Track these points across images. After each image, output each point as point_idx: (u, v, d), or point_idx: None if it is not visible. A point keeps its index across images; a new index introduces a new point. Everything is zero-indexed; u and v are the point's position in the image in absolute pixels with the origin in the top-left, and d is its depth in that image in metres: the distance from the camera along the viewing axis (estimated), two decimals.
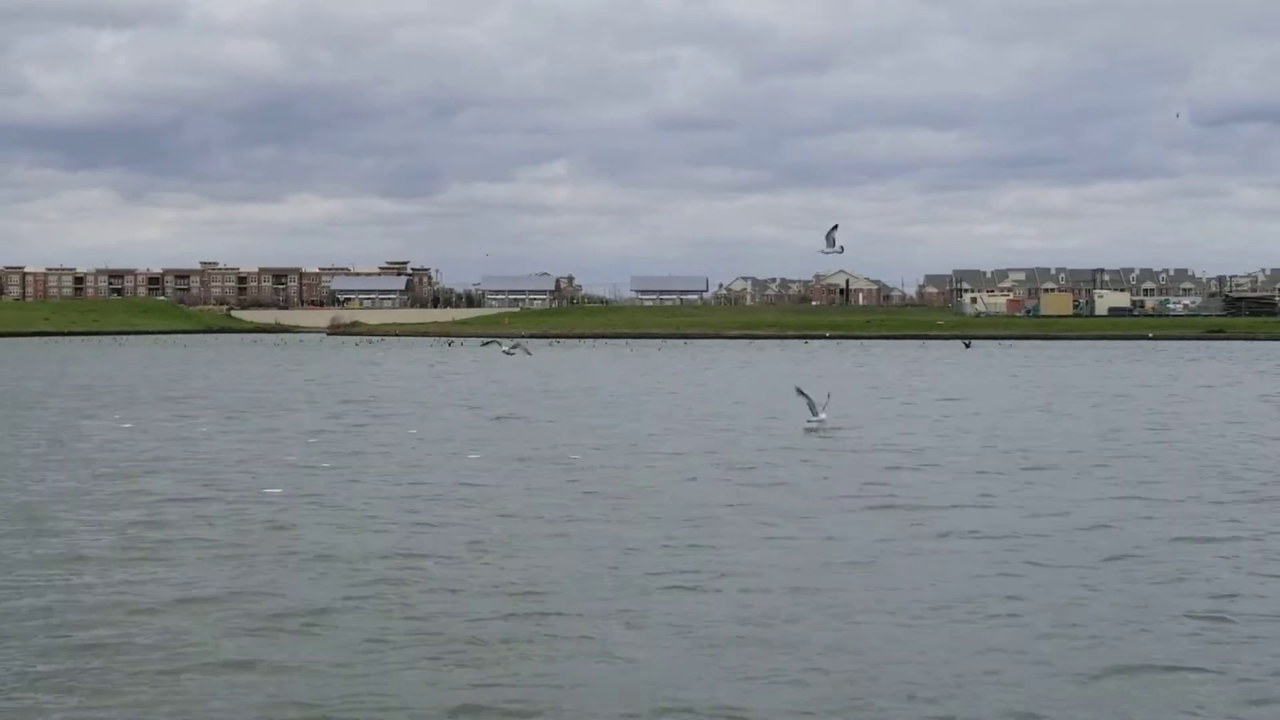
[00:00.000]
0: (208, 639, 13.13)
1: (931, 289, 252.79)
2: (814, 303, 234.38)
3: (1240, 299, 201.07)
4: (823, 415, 34.55)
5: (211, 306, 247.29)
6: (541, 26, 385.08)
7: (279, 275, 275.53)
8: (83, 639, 13.08)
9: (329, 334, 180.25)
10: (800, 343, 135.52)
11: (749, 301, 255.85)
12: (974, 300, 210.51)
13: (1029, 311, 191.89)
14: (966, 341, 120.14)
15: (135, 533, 18.99)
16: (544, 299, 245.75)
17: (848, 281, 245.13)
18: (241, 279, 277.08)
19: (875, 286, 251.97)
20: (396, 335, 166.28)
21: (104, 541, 18.27)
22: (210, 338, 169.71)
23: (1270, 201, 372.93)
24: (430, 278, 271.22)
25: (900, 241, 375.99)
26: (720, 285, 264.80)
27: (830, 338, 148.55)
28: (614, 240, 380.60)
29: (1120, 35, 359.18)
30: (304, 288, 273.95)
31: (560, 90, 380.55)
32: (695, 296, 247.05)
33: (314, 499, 22.31)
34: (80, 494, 23.05)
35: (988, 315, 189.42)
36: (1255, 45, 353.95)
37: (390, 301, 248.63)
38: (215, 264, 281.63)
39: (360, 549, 17.59)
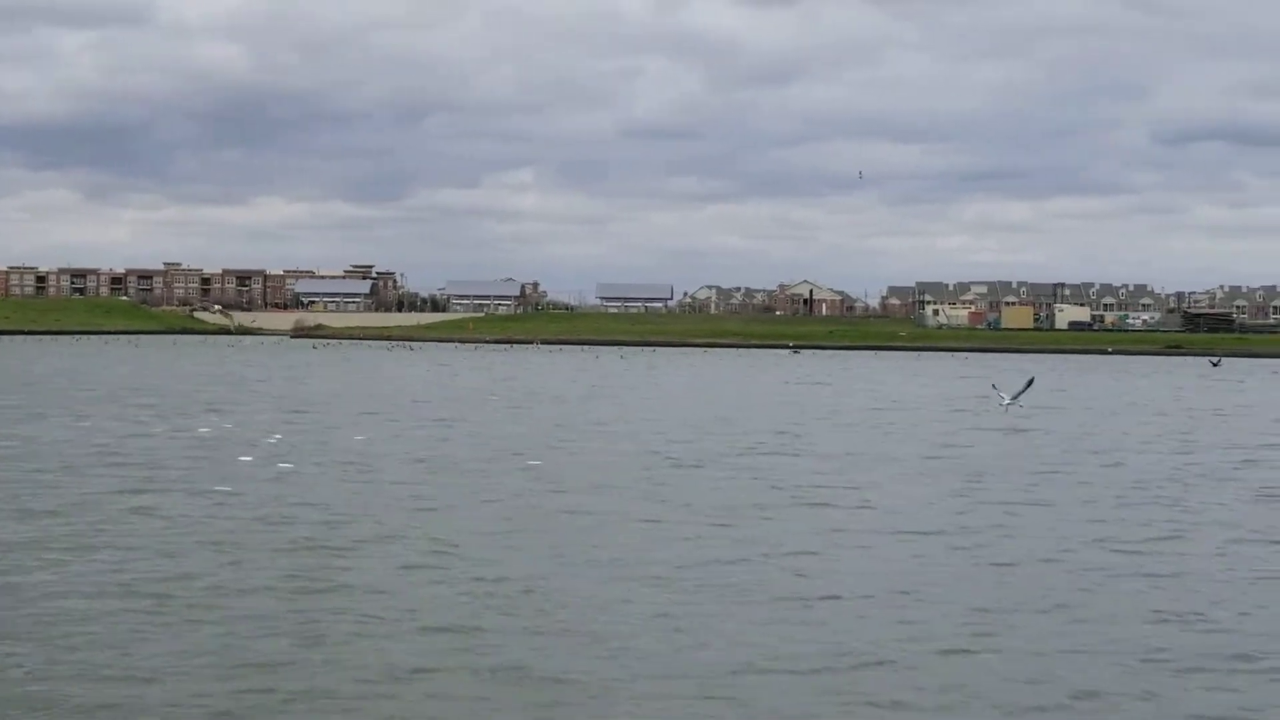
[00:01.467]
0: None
1: (894, 300, 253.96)
2: (778, 312, 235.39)
3: (1199, 315, 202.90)
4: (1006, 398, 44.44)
5: (174, 308, 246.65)
6: (511, 33, 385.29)
7: (243, 277, 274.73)
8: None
9: (293, 336, 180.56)
10: (783, 351, 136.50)
11: (714, 310, 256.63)
12: (936, 312, 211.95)
13: (990, 324, 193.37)
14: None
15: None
16: (509, 305, 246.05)
17: (811, 292, 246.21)
18: (205, 280, 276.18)
19: (839, 297, 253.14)
20: (360, 339, 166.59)
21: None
22: (169, 339, 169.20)
23: (1228, 220, 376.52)
24: (395, 282, 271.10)
25: (864, 253, 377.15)
26: (685, 294, 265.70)
27: (794, 348, 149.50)
28: (580, 248, 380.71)
29: (1083, 55, 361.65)
30: (268, 290, 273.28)
31: (529, 97, 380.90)
32: (660, 305, 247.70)
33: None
34: None
35: (950, 327, 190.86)
36: (1214, 67, 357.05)
37: (354, 305, 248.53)
38: (179, 265, 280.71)
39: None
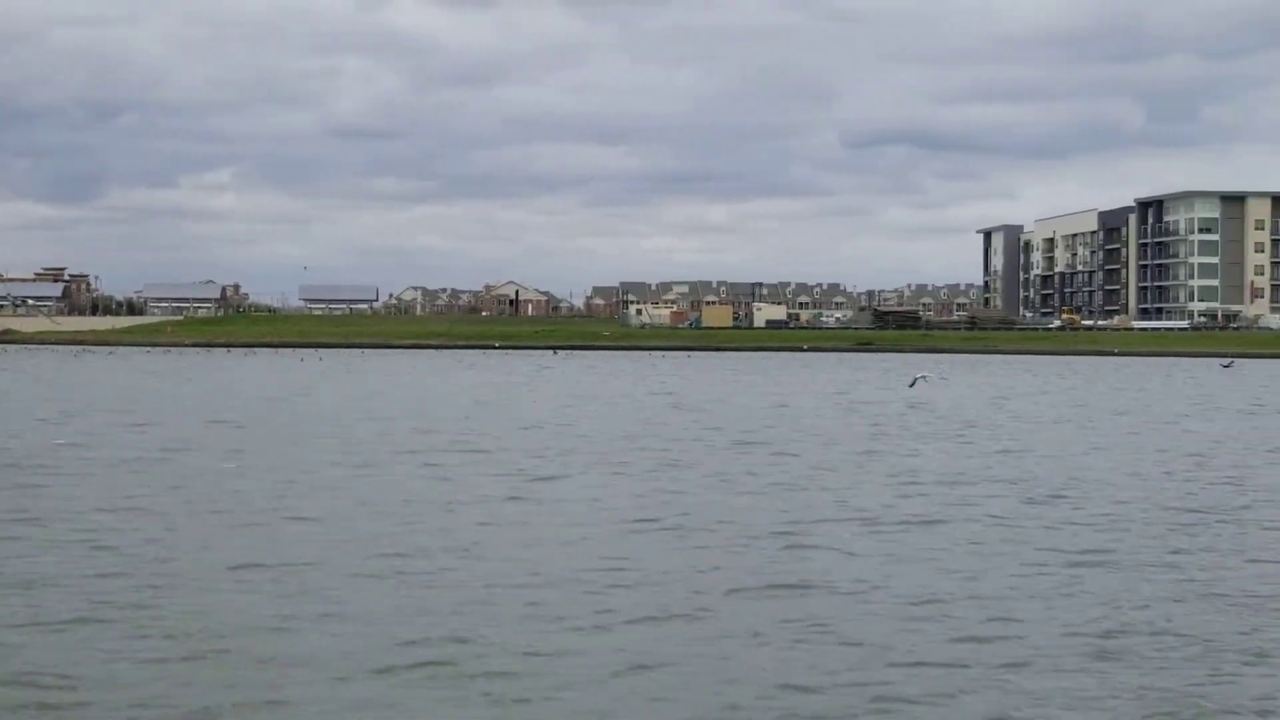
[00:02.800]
0: None
1: (599, 300, 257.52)
2: (484, 313, 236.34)
3: (888, 313, 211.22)
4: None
5: None
6: (207, 31, 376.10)
7: None
8: None
9: None
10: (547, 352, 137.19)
11: (419, 311, 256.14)
12: (639, 312, 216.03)
13: (692, 323, 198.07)
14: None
15: None
16: (209, 307, 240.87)
17: (517, 292, 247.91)
18: None
19: (544, 298, 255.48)
20: (53, 344, 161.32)
21: None
22: None
23: (913, 221, 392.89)
24: (89, 284, 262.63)
25: (568, 254, 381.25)
26: (391, 295, 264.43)
27: (500, 348, 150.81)
28: (282, 249, 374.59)
29: (775, 60, 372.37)
30: None
31: (227, 96, 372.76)
32: (365, 306, 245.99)
33: None
34: None
35: (653, 327, 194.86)
36: (898, 73, 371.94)
37: (46, 309, 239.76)
38: None
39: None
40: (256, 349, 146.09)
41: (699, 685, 11.80)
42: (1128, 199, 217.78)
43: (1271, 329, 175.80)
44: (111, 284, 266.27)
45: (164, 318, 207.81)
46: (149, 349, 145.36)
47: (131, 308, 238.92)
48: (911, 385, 62.36)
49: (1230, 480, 27.61)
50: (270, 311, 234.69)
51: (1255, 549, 18.91)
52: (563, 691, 11.63)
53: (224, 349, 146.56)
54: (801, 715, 11.09)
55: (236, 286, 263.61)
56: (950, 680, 11.97)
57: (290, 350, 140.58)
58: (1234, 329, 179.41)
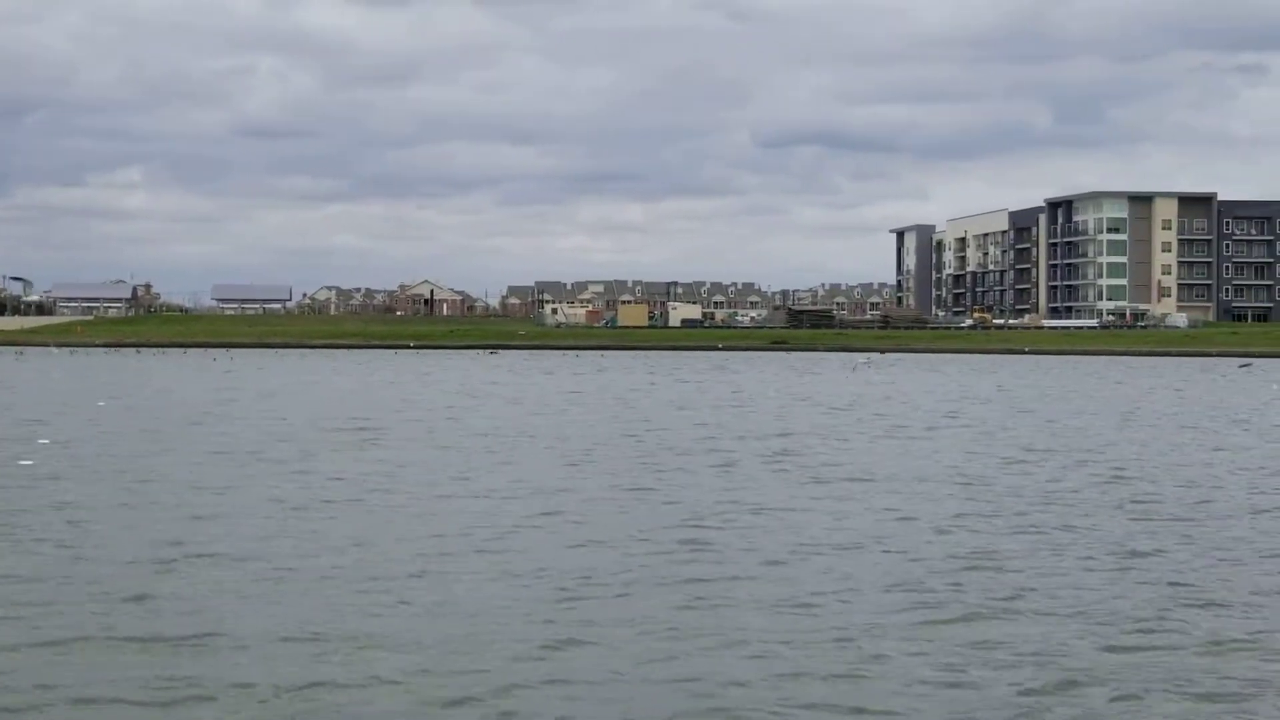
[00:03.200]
0: None
1: (514, 300, 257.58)
2: (399, 313, 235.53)
3: (802, 312, 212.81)
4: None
5: None
6: (116, 29, 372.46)
7: None
8: None
9: None
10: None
11: (333, 311, 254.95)
12: (555, 311, 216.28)
13: (608, 322, 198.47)
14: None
15: None
16: (120, 307, 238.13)
17: (432, 292, 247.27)
18: None
19: (459, 297, 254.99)
20: None
21: None
22: None
23: (826, 220, 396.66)
24: None
25: (483, 253, 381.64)
26: (304, 295, 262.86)
27: (415, 347, 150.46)
28: (194, 248, 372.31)
29: (688, 61, 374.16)
30: None
31: (136, 95, 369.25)
32: (279, 306, 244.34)
33: None
34: None
35: (569, 326, 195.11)
36: (809, 73, 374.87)
37: None
38: None
39: None
40: (167, 349, 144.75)
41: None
42: (1037, 199, 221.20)
43: (1178, 328, 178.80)
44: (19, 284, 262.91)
45: (74, 318, 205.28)
46: (55, 349, 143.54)
47: (40, 308, 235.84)
48: (854, 370, 67.82)
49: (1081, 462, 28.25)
50: (183, 311, 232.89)
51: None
52: None
53: (133, 349, 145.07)
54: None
55: (148, 286, 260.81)
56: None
57: (201, 350, 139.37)
58: (1141, 327, 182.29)
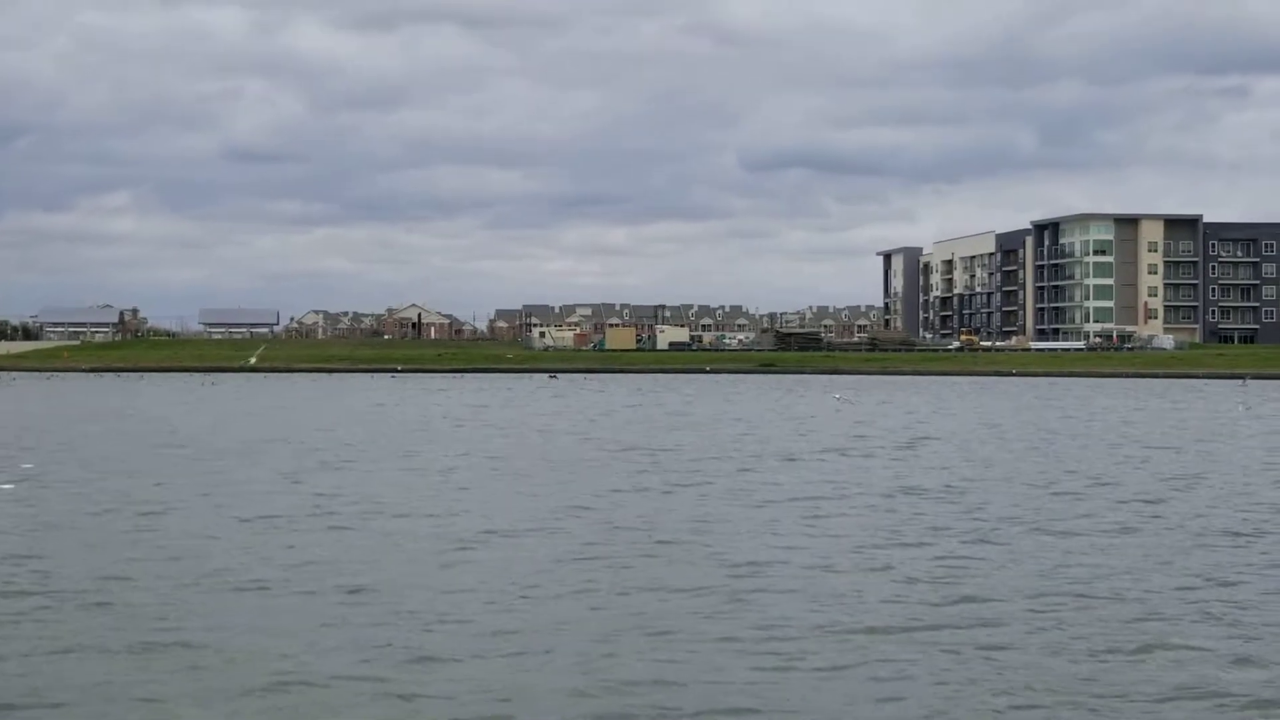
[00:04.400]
0: None
1: (502, 323, 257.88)
2: (386, 336, 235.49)
3: (790, 334, 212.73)
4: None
5: None
6: (104, 55, 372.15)
7: None
8: None
9: None
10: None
11: (321, 335, 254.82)
12: (543, 334, 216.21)
13: (596, 345, 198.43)
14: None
15: None
16: (106, 332, 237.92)
17: (420, 315, 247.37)
18: None
19: (447, 321, 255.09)
20: None
21: None
22: None
23: (814, 243, 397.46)
24: None
25: (471, 276, 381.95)
26: (292, 319, 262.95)
27: (402, 371, 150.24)
28: (182, 273, 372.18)
29: (674, 84, 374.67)
30: None
31: (124, 119, 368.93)
32: (266, 330, 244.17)
33: None
34: None
35: (557, 349, 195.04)
36: (796, 97, 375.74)
37: None
38: None
39: None
40: (149, 374, 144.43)
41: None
42: (1023, 221, 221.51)
43: (1165, 349, 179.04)
44: (6, 308, 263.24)
45: (61, 342, 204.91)
46: (48, 375, 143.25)
47: (27, 333, 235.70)
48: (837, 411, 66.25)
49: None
50: (170, 336, 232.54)
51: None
52: None
53: (115, 374, 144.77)
54: None
55: (135, 311, 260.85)
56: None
57: (186, 375, 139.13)
58: (1128, 349, 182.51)
